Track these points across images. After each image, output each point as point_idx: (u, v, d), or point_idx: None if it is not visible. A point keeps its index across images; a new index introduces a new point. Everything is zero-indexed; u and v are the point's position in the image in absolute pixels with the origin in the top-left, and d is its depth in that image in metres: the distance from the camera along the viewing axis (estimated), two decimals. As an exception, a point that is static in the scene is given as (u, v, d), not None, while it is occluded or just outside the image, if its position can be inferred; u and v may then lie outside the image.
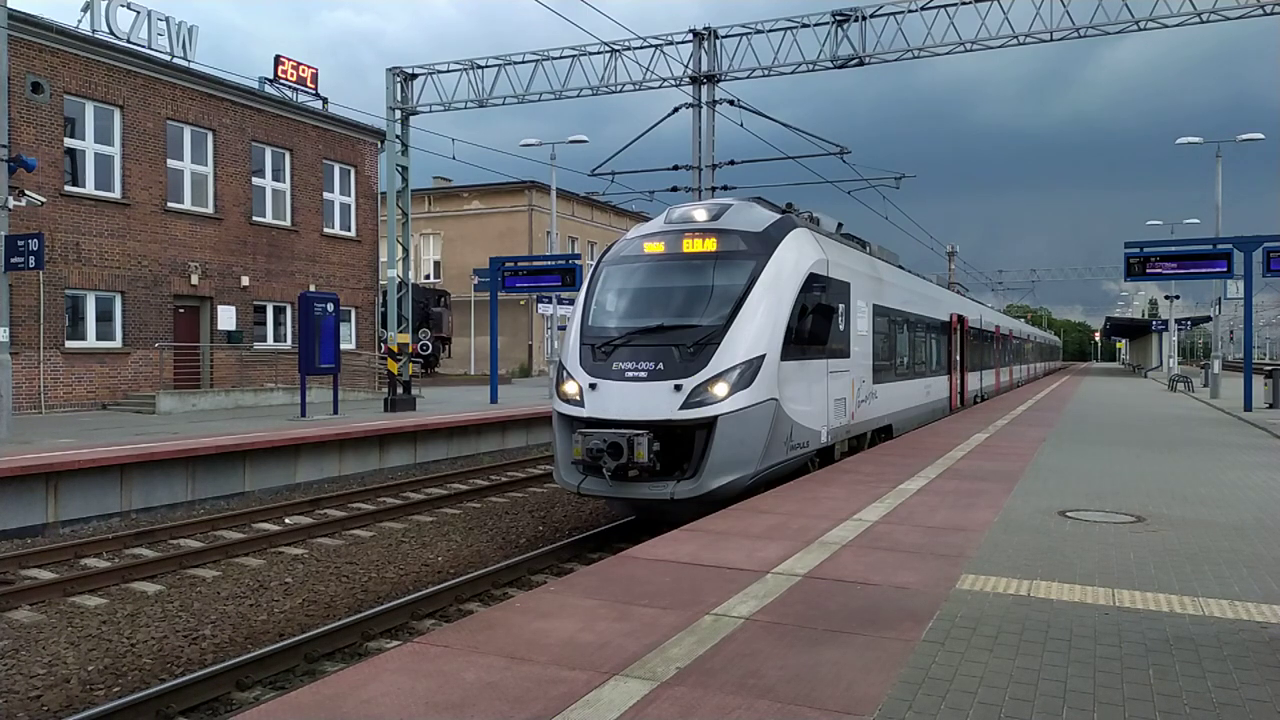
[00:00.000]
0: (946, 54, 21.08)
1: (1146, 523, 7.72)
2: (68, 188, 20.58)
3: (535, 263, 27.05)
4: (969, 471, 10.75)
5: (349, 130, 28.42)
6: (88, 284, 20.98)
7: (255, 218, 25.25)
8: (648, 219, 12.87)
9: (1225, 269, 21.74)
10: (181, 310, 23.44)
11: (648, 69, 22.87)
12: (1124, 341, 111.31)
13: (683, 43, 22.69)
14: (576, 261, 24.90)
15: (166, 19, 22.91)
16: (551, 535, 11.92)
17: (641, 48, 22.84)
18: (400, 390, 22.45)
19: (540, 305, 39.20)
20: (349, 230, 28.61)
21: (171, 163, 22.97)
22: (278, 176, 26.25)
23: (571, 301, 22.94)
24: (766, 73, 22.21)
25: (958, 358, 22.56)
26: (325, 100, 28.04)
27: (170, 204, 22.85)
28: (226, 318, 24.37)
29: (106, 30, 21.55)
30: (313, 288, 26.01)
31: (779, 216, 11.47)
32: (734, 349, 9.66)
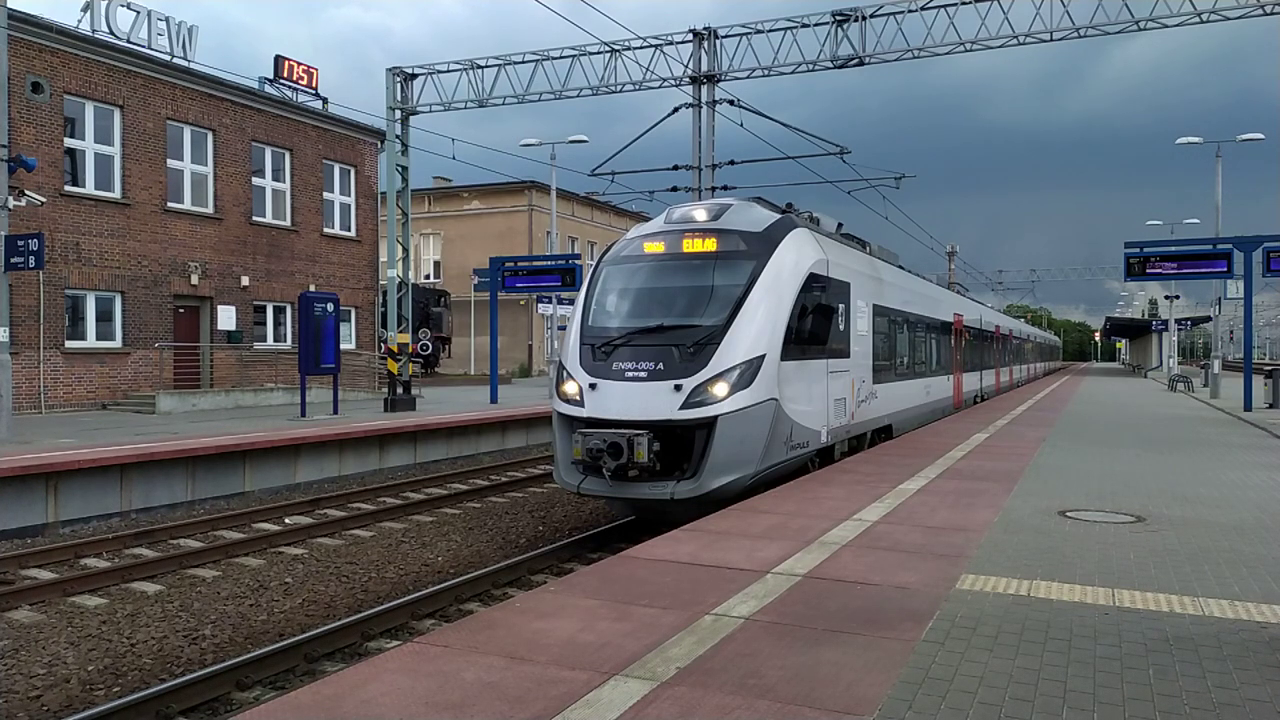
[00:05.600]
0: (946, 54, 21.11)
1: (1146, 523, 7.72)
2: (68, 188, 20.58)
3: (535, 263, 27.03)
4: (969, 471, 10.75)
5: (349, 130, 28.42)
6: (88, 284, 20.98)
7: (255, 218, 25.24)
8: (648, 219, 12.88)
9: (1225, 269, 21.74)
10: (181, 310, 23.44)
11: (648, 69, 22.88)
12: (1124, 341, 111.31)
13: (683, 43, 22.70)
14: (576, 261, 24.89)
15: (166, 19, 22.91)
16: (551, 535, 11.93)
17: (641, 48, 22.85)
18: (400, 390, 22.45)
19: (540, 305, 39.22)
20: (349, 230, 28.61)
21: (171, 163, 22.96)
22: (278, 176, 26.24)
23: (571, 301, 22.95)
24: (766, 73, 22.21)
25: (958, 358, 22.57)
26: (325, 100, 28.06)
27: (170, 204, 22.84)
28: (226, 318, 24.36)
29: (106, 30, 21.55)
30: (313, 288, 26.01)
31: (779, 216, 11.48)
32: (734, 349, 9.66)
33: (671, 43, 22.71)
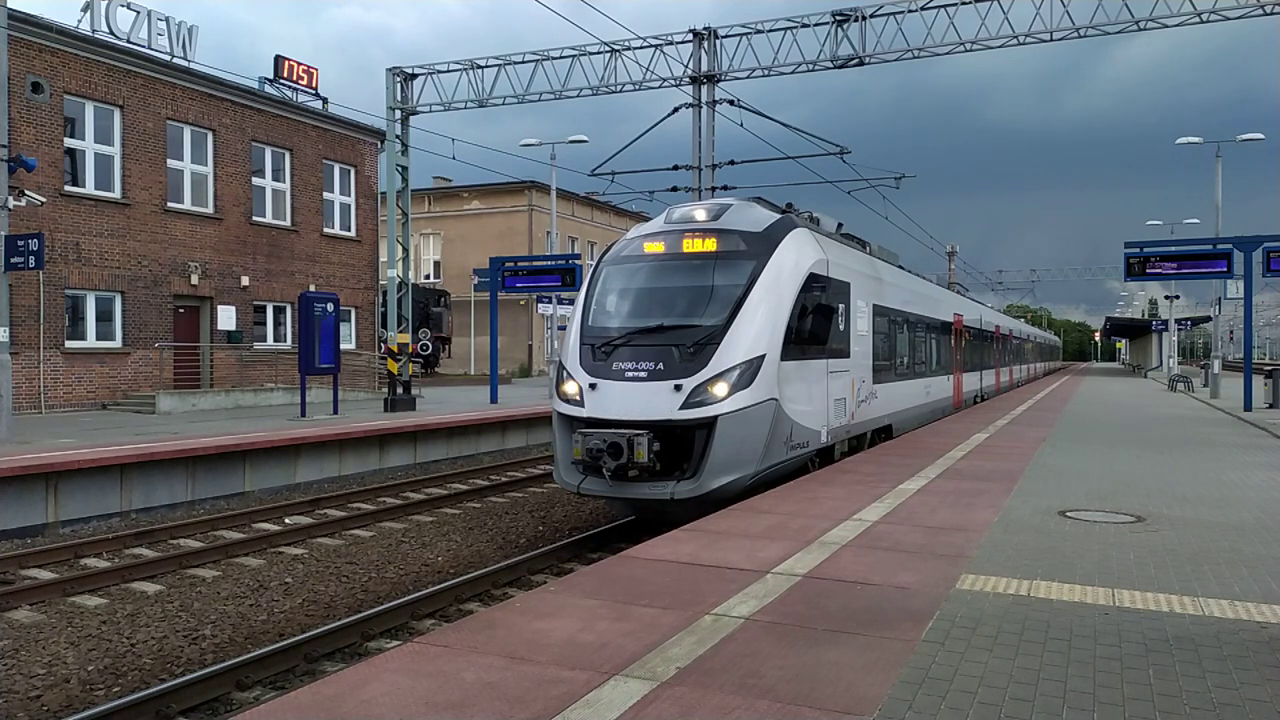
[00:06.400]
0: (946, 54, 21.11)
1: (1146, 523, 7.72)
2: (68, 188, 20.58)
3: (535, 263, 27.04)
4: (969, 471, 10.75)
5: (349, 130, 28.41)
6: (88, 284, 20.98)
7: (255, 218, 25.24)
8: (648, 219, 12.88)
9: (1225, 269, 21.75)
10: (181, 310, 23.44)
11: (648, 69, 22.88)
12: (1124, 341, 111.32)
13: (683, 43, 22.70)
14: (576, 261, 24.89)
15: (166, 19, 22.92)
16: (551, 535, 11.93)
17: (641, 48, 22.84)
18: (400, 390, 22.45)
19: (540, 305, 39.22)
20: (349, 230, 28.61)
21: (171, 163, 22.96)
22: (278, 176, 26.24)
23: (571, 301, 22.95)
24: (766, 73, 22.21)
25: (958, 358, 22.57)
26: (325, 100, 28.07)
27: (170, 204, 22.84)
28: (226, 318, 24.36)
29: (106, 30, 21.55)
30: (313, 288, 26.00)
31: (779, 216, 11.48)
32: (734, 349, 9.66)
33: (671, 43, 22.71)
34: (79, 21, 21.34)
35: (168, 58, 22.86)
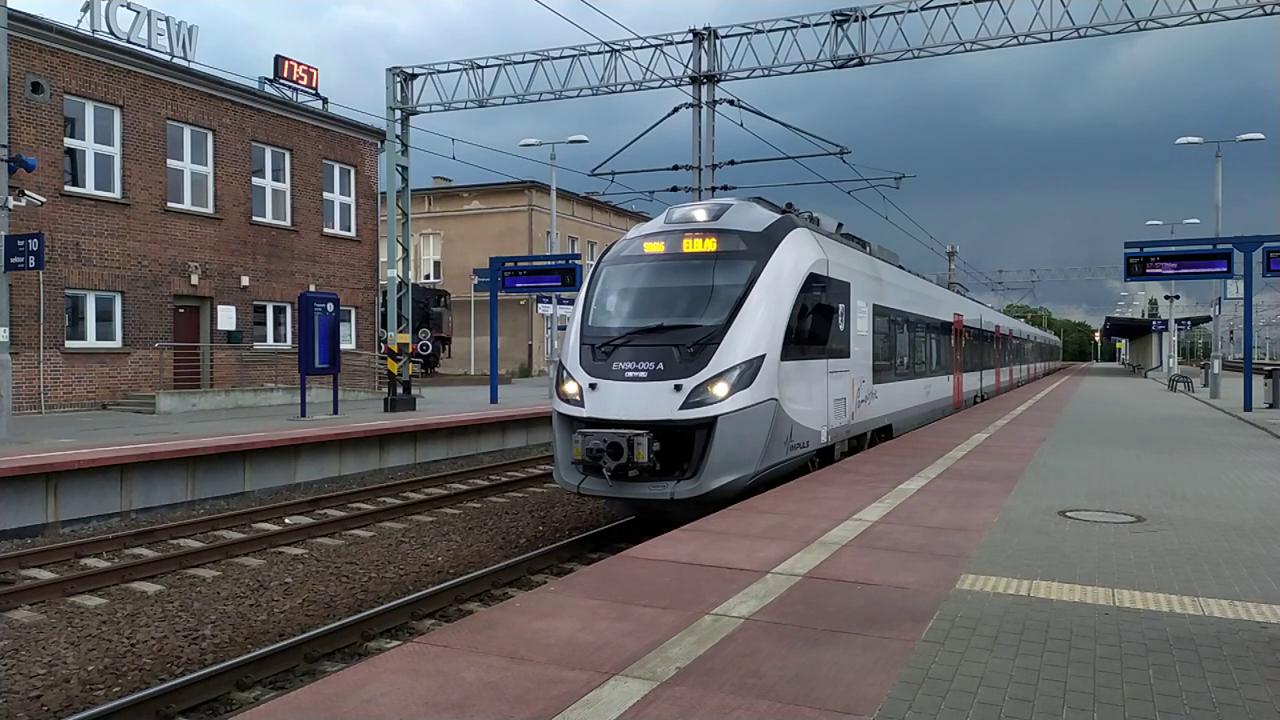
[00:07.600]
0: (946, 54, 21.12)
1: (1146, 523, 7.72)
2: (68, 188, 20.57)
3: (535, 263, 27.04)
4: (969, 471, 10.75)
5: (349, 130, 28.41)
6: (88, 284, 20.98)
7: (255, 218, 25.24)
8: (648, 219, 12.88)
9: (1225, 269, 21.75)
10: (181, 310, 23.44)
11: (648, 69, 22.88)
12: (1124, 341, 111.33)
13: (683, 43, 22.70)
14: (576, 261, 24.90)
15: (166, 19, 22.92)
16: (551, 535, 11.93)
17: (641, 48, 22.85)
18: (400, 390, 22.46)
19: (540, 305, 39.23)
20: (349, 230, 28.61)
21: (171, 163, 22.96)
22: (278, 176, 26.24)
23: (571, 301, 22.95)
24: (766, 73, 22.22)
25: (958, 358, 22.57)
26: (325, 100, 28.06)
27: (170, 204, 22.84)
28: (226, 318, 24.36)
29: (106, 30, 21.55)
30: (313, 288, 26.00)
31: (779, 216, 11.48)
32: (734, 349, 9.66)
33: (671, 43, 22.71)
34: (79, 21, 21.34)
35: (168, 58, 22.85)
